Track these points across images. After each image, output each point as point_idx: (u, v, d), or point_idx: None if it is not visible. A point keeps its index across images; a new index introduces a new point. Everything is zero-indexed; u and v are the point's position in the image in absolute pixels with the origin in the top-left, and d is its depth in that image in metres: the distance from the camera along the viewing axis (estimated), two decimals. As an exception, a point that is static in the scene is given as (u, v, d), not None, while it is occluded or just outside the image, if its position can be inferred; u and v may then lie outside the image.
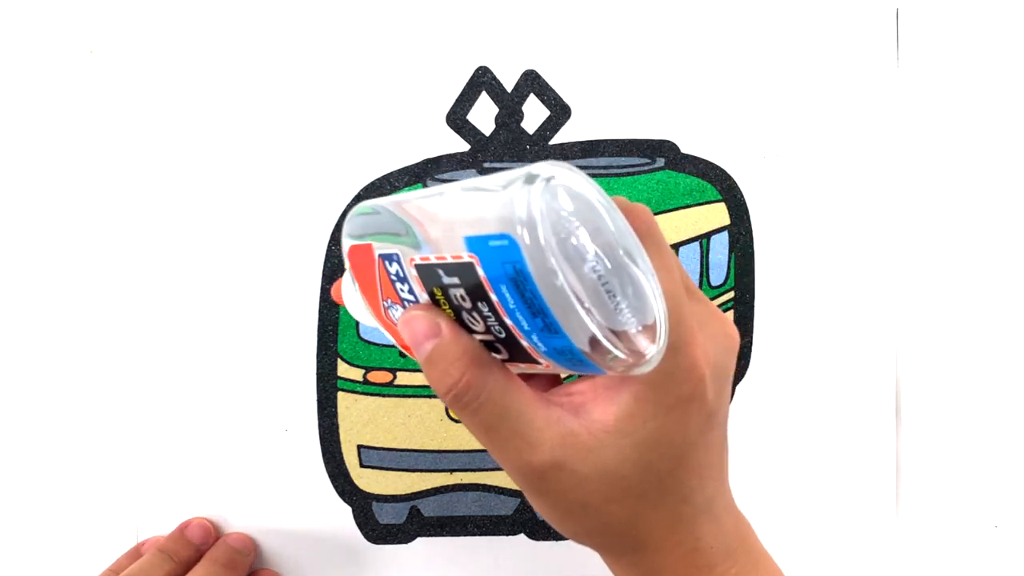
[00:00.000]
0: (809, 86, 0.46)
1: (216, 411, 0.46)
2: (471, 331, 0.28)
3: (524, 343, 0.27)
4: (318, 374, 0.46)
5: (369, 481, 0.47)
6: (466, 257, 0.26)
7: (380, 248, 0.30)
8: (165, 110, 0.46)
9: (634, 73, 0.46)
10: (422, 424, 0.46)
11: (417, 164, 0.46)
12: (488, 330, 0.27)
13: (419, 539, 0.47)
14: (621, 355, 0.25)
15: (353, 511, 0.47)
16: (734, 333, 0.31)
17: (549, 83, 0.46)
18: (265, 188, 0.46)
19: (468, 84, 0.46)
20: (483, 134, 0.46)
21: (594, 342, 0.25)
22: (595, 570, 0.47)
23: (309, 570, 0.47)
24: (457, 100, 0.46)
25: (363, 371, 0.46)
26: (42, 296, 0.46)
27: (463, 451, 0.46)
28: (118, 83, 0.46)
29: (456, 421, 0.46)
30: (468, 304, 0.27)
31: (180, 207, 0.46)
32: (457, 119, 0.46)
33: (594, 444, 0.28)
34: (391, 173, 0.46)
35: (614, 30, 0.46)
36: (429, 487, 0.47)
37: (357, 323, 0.46)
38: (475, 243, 0.25)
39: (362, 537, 0.47)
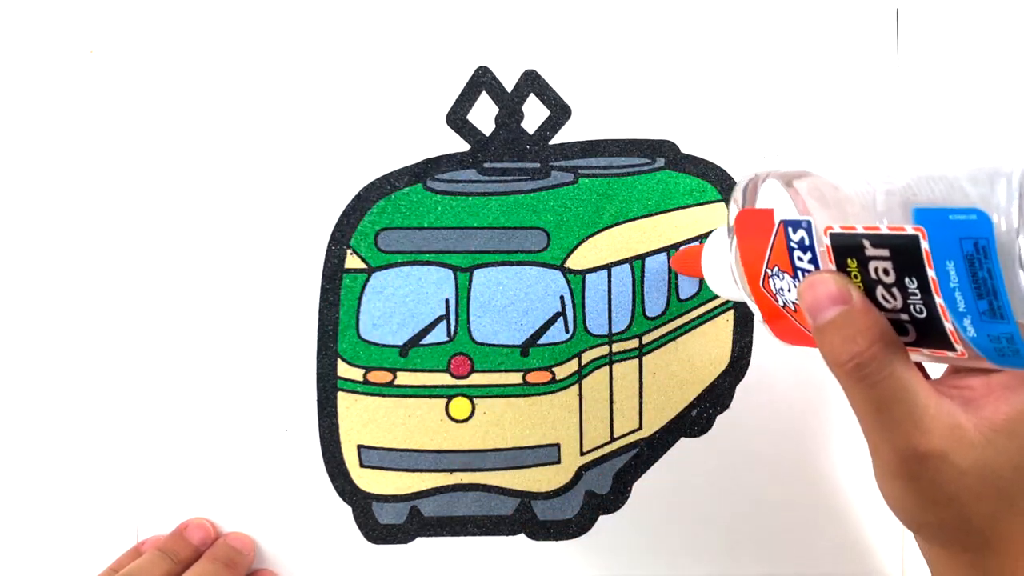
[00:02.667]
0: (809, 86, 0.47)
1: (216, 411, 0.46)
2: (881, 309, 0.28)
3: (948, 326, 0.26)
4: (318, 374, 0.46)
5: (369, 481, 0.47)
6: (910, 229, 0.26)
7: (785, 214, 0.30)
8: (165, 110, 0.46)
9: (634, 73, 0.46)
10: (422, 424, 0.46)
11: (417, 164, 0.46)
12: (905, 309, 0.27)
13: (419, 539, 0.47)
14: None
15: (353, 511, 0.47)
16: None
17: (549, 83, 0.46)
18: (265, 188, 0.46)
19: (468, 84, 0.46)
20: (483, 134, 0.46)
21: None
22: (595, 570, 0.47)
23: (309, 570, 0.47)
24: (457, 100, 0.46)
25: (363, 371, 0.46)
26: (42, 296, 0.46)
27: (463, 451, 0.46)
28: (118, 83, 0.46)
29: (457, 421, 0.46)
30: (890, 279, 0.27)
31: (180, 207, 0.46)
32: (457, 119, 0.46)
33: (979, 440, 0.28)
34: (391, 173, 0.46)
35: (614, 30, 0.46)
36: (429, 487, 0.47)
37: (357, 323, 0.46)
38: (928, 215, 0.25)
39: (362, 537, 0.47)
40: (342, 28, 0.46)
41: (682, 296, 0.47)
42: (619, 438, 0.47)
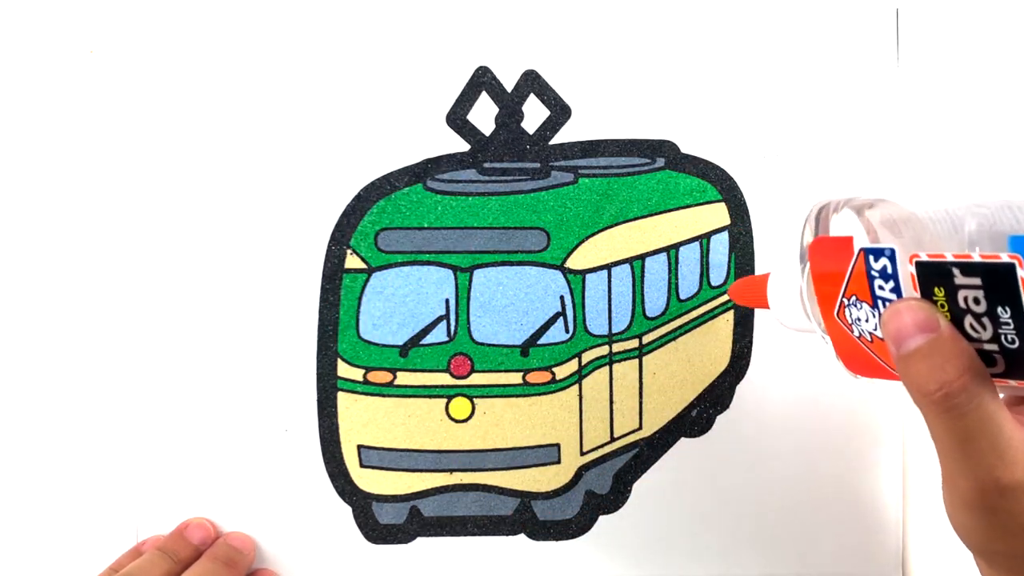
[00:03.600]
0: (809, 86, 0.47)
1: (216, 411, 0.46)
2: (967, 338, 0.28)
3: None
4: (318, 374, 0.46)
5: (369, 481, 0.47)
6: (1005, 257, 0.25)
7: (866, 242, 0.30)
8: (165, 110, 0.46)
9: (634, 73, 0.46)
10: (422, 424, 0.46)
11: (417, 164, 0.46)
12: (995, 339, 0.27)
13: (419, 539, 0.47)
14: None
15: (353, 511, 0.47)
16: None
17: (549, 83, 0.46)
18: (265, 188, 0.46)
19: (468, 84, 0.46)
20: (483, 134, 0.46)
21: None
22: (595, 570, 0.47)
23: (309, 570, 0.47)
24: (457, 100, 0.46)
25: (363, 371, 0.46)
26: (42, 296, 0.46)
27: (463, 451, 0.46)
28: (118, 83, 0.46)
29: (457, 421, 0.46)
30: (981, 308, 0.27)
31: (180, 207, 0.46)
32: (457, 119, 0.46)
33: None
34: (391, 173, 0.46)
35: (614, 30, 0.46)
36: (429, 487, 0.47)
37: (357, 323, 0.46)
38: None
39: (362, 537, 0.47)
40: (342, 28, 0.46)
41: (682, 296, 0.47)
42: (619, 438, 0.47)
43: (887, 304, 0.29)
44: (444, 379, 0.46)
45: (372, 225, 0.46)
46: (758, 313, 0.47)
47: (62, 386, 0.46)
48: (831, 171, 0.47)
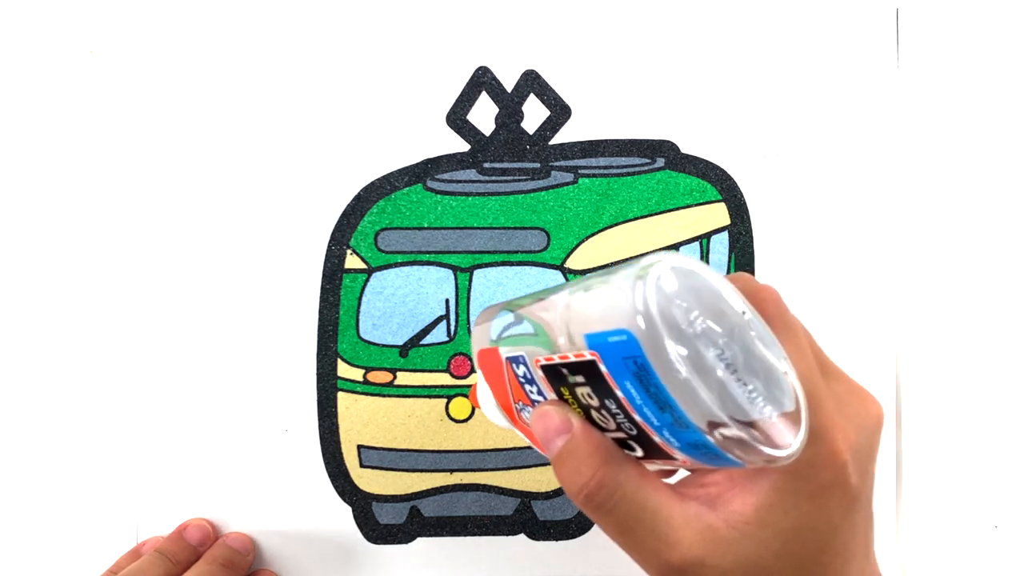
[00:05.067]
0: (809, 86, 0.47)
1: (216, 411, 0.46)
2: (603, 430, 0.27)
3: (656, 439, 0.26)
4: (318, 374, 0.46)
5: (369, 481, 0.47)
6: (587, 355, 0.25)
7: (506, 351, 0.30)
8: (165, 110, 0.46)
9: (634, 73, 0.46)
10: (422, 424, 0.46)
11: (417, 164, 0.46)
12: (619, 428, 0.26)
13: (419, 539, 0.47)
14: (759, 447, 0.24)
15: (353, 511, 0.47)
16: (877, 410, 0.30)
17: (549, 83, 0.46)
18: (265, 188, 0.46)
19: (468, 84, 0.46)
20: (483, 134, 0.46)
21: (729, 434, 0.24)
22: (595, 570, 0.47)
23: (309, 570, 0.47)
24: (457, 100, 0.46)
25: (363, 371, 0.46)
26: (42, 296, 0.46)
27: (463, 451, 0.46)
28: (118, 83, 0.46)
29: (457, 421, 0.46)
30: (596, 402, 0.26)
31: (180, 207, 0.46)
32: (457, 119, 0.46)
33: (734, 537, 0.27)
34: (391, 173, 0.46)
35: (614, 30, 0.46)
36: (429, 487, 0.47)
37: (357, 323, 0.46)
38: (595, 340, 0.25)
39: (362, 537, 0.47)
40: (342, 28, 0.46)
41: (682, 296, 0.47)
42: (619, 438, 0.47)
43: None
44: (444, 379, 0.46)
45: (372, 225, 0.46)
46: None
47: (62, 386, 0.46)
48: (831, 171, 0.47)
